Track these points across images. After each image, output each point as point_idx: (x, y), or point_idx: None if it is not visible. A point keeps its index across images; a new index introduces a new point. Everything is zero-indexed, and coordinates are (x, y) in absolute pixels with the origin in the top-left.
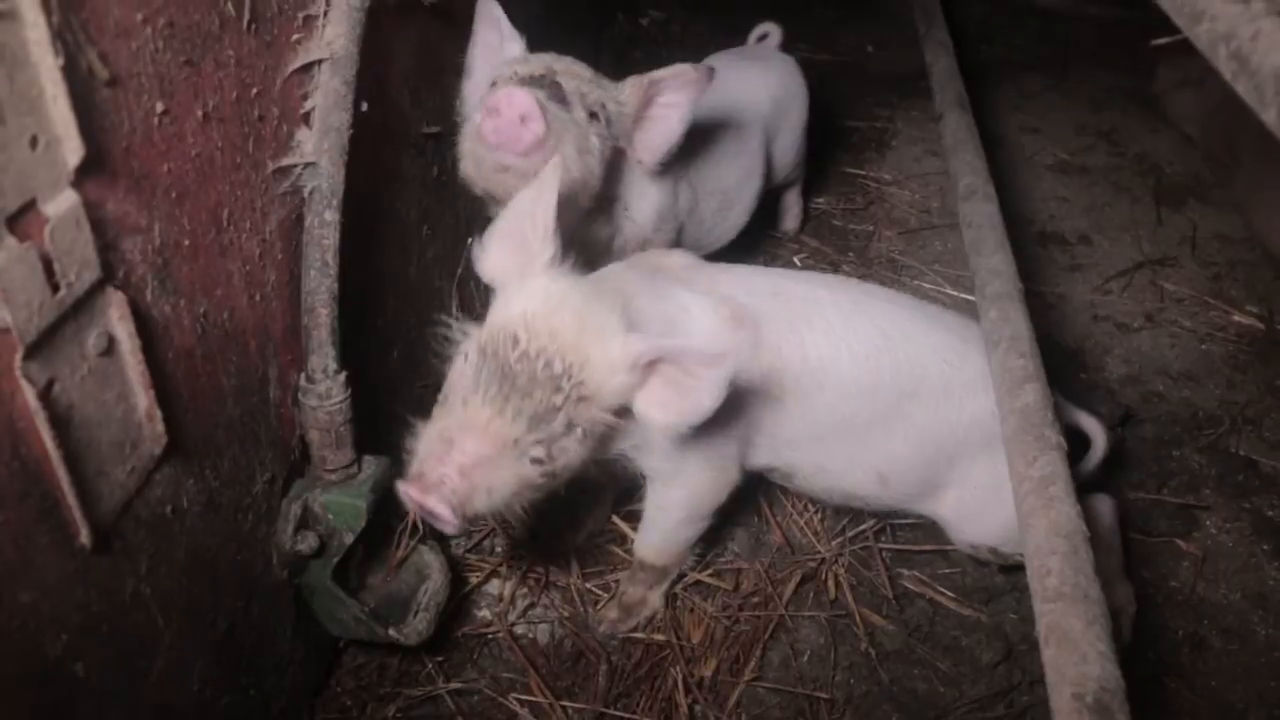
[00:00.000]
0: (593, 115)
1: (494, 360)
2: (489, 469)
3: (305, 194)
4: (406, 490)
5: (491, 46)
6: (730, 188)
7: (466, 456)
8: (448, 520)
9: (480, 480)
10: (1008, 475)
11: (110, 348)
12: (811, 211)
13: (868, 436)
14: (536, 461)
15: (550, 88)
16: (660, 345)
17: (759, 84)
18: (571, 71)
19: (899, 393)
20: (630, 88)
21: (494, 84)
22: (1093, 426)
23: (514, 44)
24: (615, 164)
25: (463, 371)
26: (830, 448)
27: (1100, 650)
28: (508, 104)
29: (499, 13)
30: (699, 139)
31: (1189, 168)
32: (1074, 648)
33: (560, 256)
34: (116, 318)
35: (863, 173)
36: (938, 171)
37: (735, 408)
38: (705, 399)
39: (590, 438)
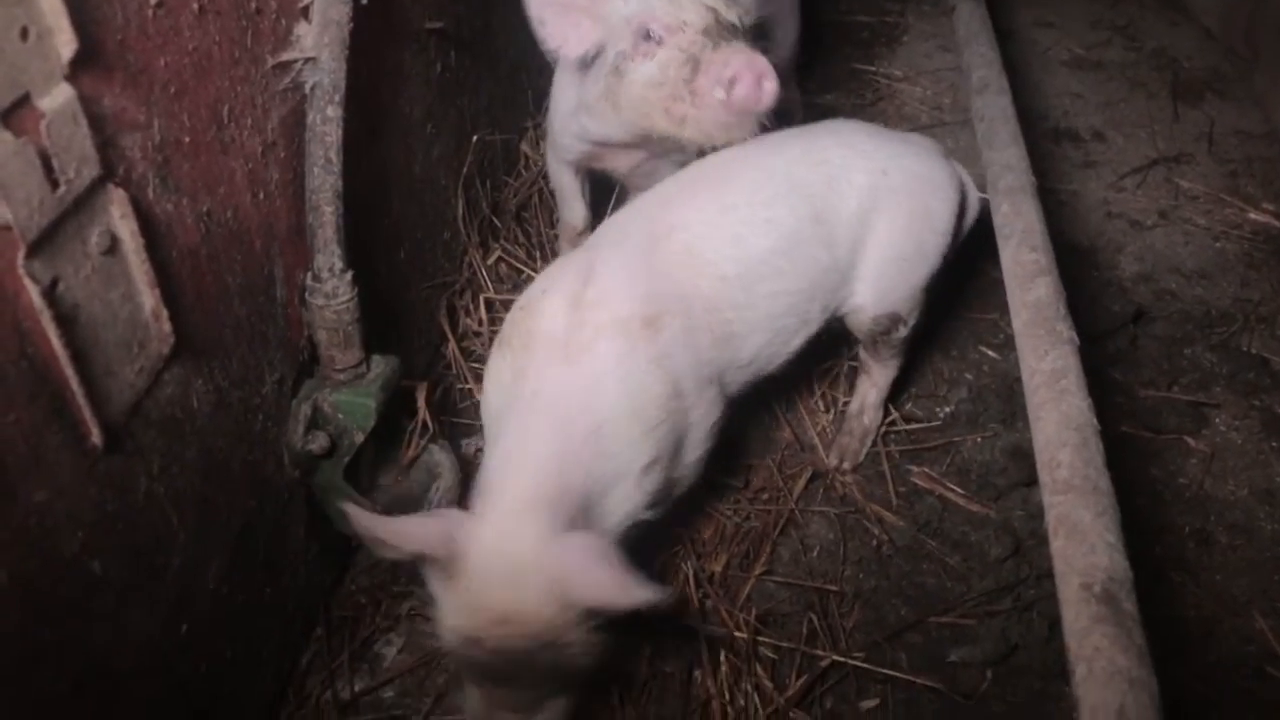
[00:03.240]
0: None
1: (472, 662)
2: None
3: (306, 90)
4: None
5: None
6: None
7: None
8: None
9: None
10: (903, 242)
11: (113, 246)
12: (820, 108)
13: (807, 285)
14: (560, 680)
15: (734, 31)
16: (589, 597)
17: None
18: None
19: (812, 219)
20: None
21: (654, 39)
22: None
23: None
24: None
25: (459, 663)
26: (785, 316)
27: (1109, 541)
28: (749, 70)
29: None
30: None
31: (1207, 62)
32: (1083, 539)
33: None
34: (118, 215)
35: (873, 69)
36: (949, 68)
37: (690, 360)
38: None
39: (593, 641)
